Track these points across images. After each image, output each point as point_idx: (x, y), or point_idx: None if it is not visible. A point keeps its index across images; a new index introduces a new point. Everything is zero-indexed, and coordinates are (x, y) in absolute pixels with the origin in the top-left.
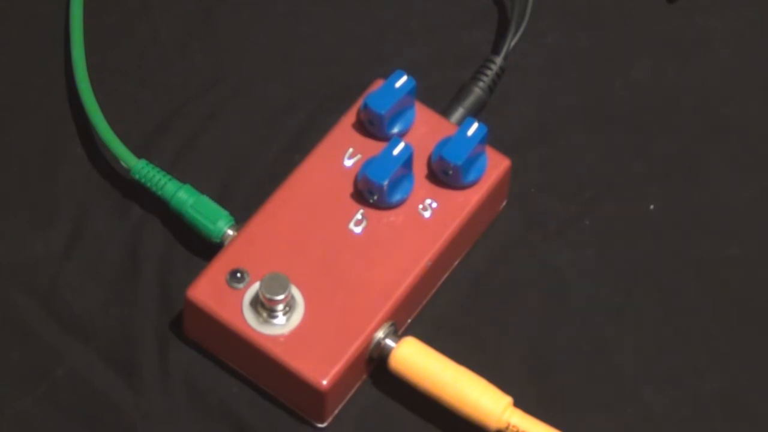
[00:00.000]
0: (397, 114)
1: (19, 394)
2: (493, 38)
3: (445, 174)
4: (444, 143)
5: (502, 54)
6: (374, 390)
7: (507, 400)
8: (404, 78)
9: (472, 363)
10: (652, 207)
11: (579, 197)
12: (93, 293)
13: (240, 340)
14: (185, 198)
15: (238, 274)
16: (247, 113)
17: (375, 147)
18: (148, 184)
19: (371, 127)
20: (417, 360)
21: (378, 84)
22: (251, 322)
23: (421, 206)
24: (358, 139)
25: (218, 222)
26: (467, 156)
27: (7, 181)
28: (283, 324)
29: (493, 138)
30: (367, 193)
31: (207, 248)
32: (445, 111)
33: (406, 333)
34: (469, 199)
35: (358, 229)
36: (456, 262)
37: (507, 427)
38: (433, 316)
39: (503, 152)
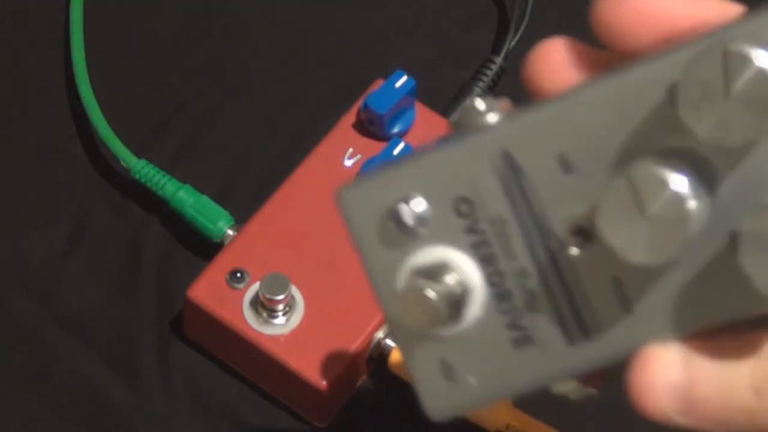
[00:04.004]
0: (397, 114)
1: (19, 394)
2: (493, 38)
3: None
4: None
5: (502, 54)
6: (374, 390)
7: (507, 400)
8: (404, 78)
9: None
10: None
11: None
12: (93, 293)
13: (240, 340)
14: (185, 198)
15: (238, 274)
16: (247, 113)
17: (375, 147)
18: (148, 184)
19: (371, 127)
20: None
21: (378, 84)
22: (251, 322)
23: None
24: (358, 139)
25: (218, 222)
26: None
27: (7, 181)
28: (283, 324)
29: None
30: None
31: (207, 248)
32: (445, 111)
33: None
34: None
35: None
36: None
37: (506, 427)
38: None
39: None
